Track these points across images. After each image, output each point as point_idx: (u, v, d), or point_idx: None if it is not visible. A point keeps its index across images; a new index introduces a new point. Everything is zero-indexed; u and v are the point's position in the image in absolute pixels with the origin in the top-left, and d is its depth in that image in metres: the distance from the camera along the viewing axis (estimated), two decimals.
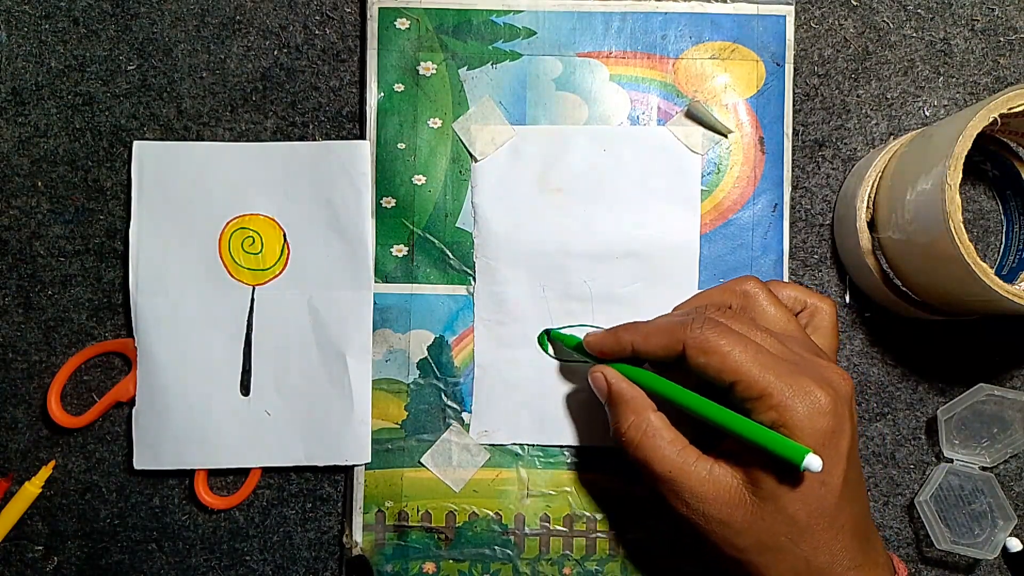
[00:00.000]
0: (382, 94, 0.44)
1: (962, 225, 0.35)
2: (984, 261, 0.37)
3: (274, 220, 0.44)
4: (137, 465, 0.43)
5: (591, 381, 0.39)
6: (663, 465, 0.35)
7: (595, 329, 0.43)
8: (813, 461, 0.31)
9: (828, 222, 0.45)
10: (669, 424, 0.36)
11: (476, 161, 0.44)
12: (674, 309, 0.41)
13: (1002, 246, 0.45)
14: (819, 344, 0.37)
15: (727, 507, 0.34)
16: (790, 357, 0.34)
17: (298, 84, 0.45)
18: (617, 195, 0.44)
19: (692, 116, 0.44)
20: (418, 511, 0.44)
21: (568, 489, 0.44)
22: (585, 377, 0.44)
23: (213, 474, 0.45)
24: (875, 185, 0.42)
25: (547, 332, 0.44)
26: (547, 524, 0.44)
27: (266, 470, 0.45)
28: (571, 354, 0.43)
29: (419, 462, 0.44)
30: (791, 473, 0.33)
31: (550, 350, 0.44)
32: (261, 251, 0.44)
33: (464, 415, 0.44)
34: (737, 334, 0.34)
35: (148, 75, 0.45)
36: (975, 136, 0.35)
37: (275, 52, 0.45)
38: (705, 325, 0.34)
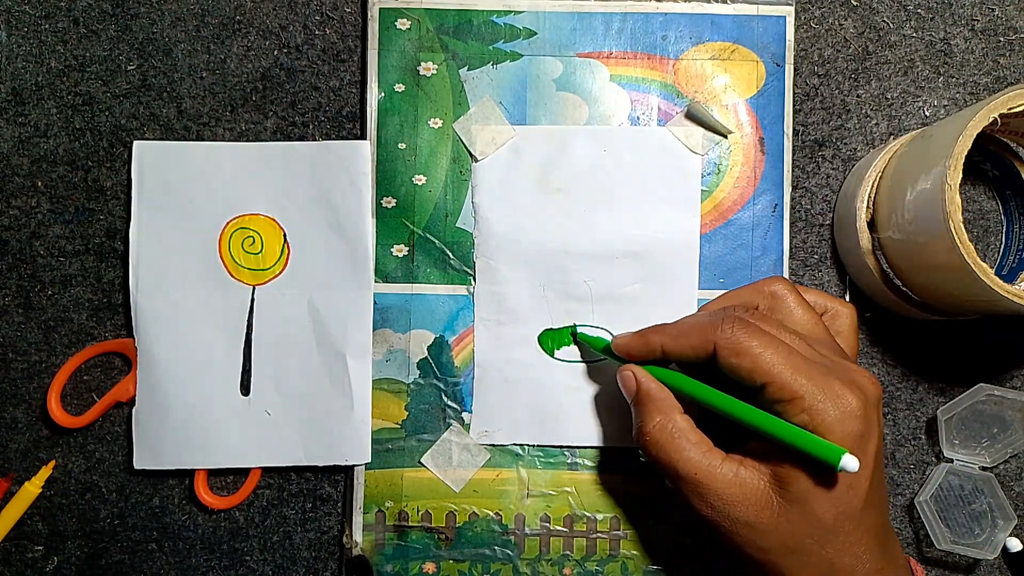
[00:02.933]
0: (383, 94, 0.44)
1: (962, 225, 0.35)
2: (984, 261, 0.37)
3: (274, 220, 0.44)
4: (137, 465, 0.43)
5: (620, 380, 0.39)
6: (688, 467, 0.35)
7: (596, 329, 0.44)
8: (850, 462, 0.31)
9: (828, 222, 0.45)
10: (694, 426, 0.36)
11: (476, 161, 0.44)
12: (700, 309, 0.41)
13: (1002, 246, 0.45)
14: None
15: (753, 509, 0.33)
16: (820, 360, 0.34)
17: (298, 84, 0.45)
18: (617, 195, 0.44)
19: (692, 116, 0.44)
20: (418, 511, 0.44)
21: (568, 489, 0.44)
22: (587, 377, 0.44)
23: (213, 474, 0.45)
24: (875, 185, 0.42)
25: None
26: (547, 524, 0.44)
27: (266, 470, 0.45)
28: (595, 354, 0.43)
29: (419, 462, 0.44)
30: (821, 475, 0.33)
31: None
32: (261, 251, 0.44)
33: (464, 415, 0.44)
34: (768, 335, 0.34)
35: (148, 75, 0.45)
36: (975, 136, 0.35)
37: (275, 52, 0.45)
38: (736, 325, 0.34)
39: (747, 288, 0.39)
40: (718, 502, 0.34)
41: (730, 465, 0.34)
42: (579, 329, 0.44)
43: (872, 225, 0.42)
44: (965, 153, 0.35)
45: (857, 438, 0.32)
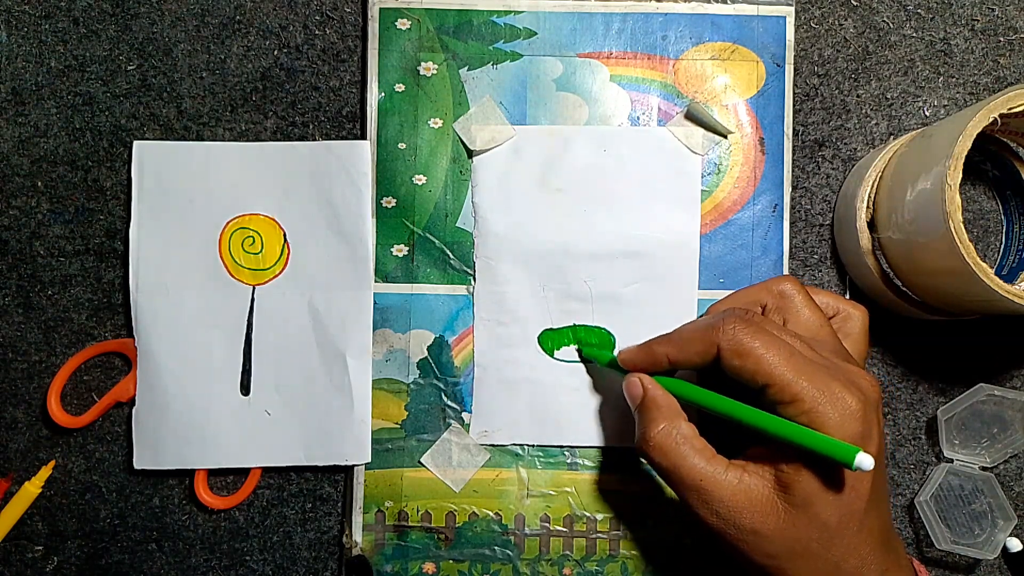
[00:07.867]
0: (383, 94, 0.44)
1: (962, 225, 0.35)
2: (984, 261, 0.38)
3: (274, 220, 0.44)
4: (137, 465, 0.43)
5: (626, 388, 0.39)
6: (693, 474, 0.34)
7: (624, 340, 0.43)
8: (865, 460, 0.30)
9: (828, 222, 0.45)
10: (698, 434, 0.36)
11: (475, 155, 0.44)
12: (709, 309, 0.40)
13: (1002, 246, 0.45)
14: (849, 350, 0.37)
15: (759, 515, 0.33)
16: (820, 361, 0.34)
17: (298, 84, 0.45)
18: (617, 195, 0.44)
19: (692, 117, 0.44)
20: (418, 511, 0.44)
21: (568, 489, 0.44)
22: (587, 377, 0.44)
23: (213, 474, 0.45)
24: (875, 185, 0.42)
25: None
26: (547, 524, 0.44)
27: (266, 470, 0.45)
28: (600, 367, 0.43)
29: (419, 462, 0.44)
30: (825, 477, 0.33)
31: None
32: (261, 251, 0.44)
33: (464, 415, 0.44)
34: (770, 335, 0.34)
35: (148, 75, 0.45)
36: (975, 136, 0.35)
37: (275, 52, 0.45)
38: (738, 325, 0.34)
39: (756, 287, 0.39)
40: (724, 510, 0.34)
41: (734, 472, 0.34)
42: (576, 337, 0.44)
43: (872, 225, 0.42)
44: (965, 153, 0.35)
45: (857, 440, 0.32)
